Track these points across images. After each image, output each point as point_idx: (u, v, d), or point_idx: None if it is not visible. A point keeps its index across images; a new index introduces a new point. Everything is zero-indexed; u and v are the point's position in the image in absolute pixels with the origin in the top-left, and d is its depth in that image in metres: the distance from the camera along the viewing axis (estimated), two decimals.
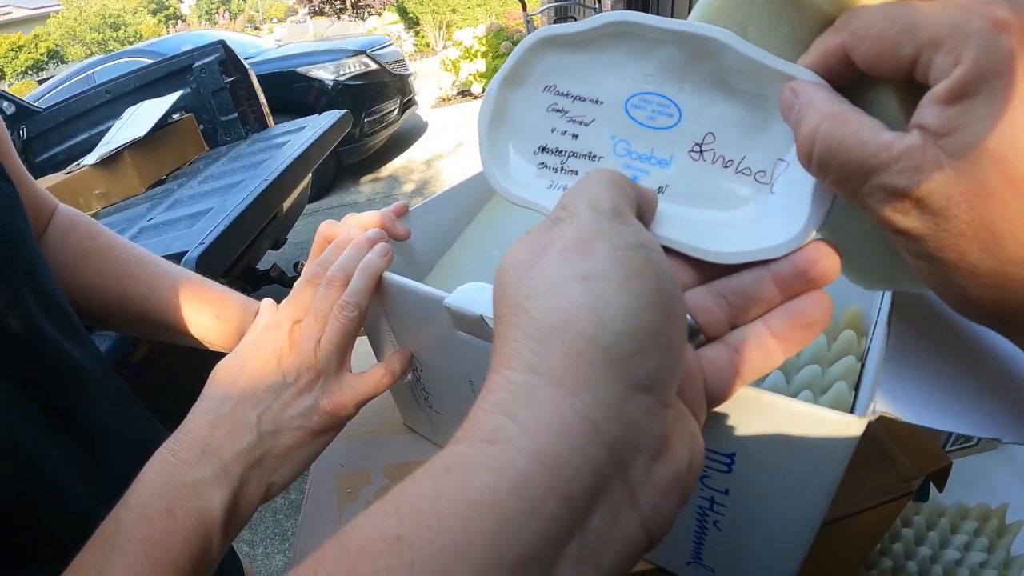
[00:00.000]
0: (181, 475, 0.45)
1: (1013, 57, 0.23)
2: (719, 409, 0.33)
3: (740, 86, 0.34)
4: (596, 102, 0.37)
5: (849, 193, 0.28)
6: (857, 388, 0.46)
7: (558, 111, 0.38)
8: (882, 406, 0.30)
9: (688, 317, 0.31)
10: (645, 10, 4.17)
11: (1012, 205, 0.24)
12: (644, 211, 0.31)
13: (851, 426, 0.31)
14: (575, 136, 0.38)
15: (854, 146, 0.27)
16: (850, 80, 0.30)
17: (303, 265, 0.90)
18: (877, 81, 0.29)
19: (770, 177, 0.34)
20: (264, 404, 0.49)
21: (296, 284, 0.55)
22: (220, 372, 0.51)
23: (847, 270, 0.37)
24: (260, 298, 0.62)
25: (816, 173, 0.30)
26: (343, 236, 0.58)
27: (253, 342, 0.52)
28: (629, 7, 4.31)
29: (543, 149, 0.38)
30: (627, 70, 0.36)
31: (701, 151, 0.36)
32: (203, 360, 0.66)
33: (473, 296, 0.45)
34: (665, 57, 0.35)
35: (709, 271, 0.33)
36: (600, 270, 0.25)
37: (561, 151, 0.38)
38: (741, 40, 0.33)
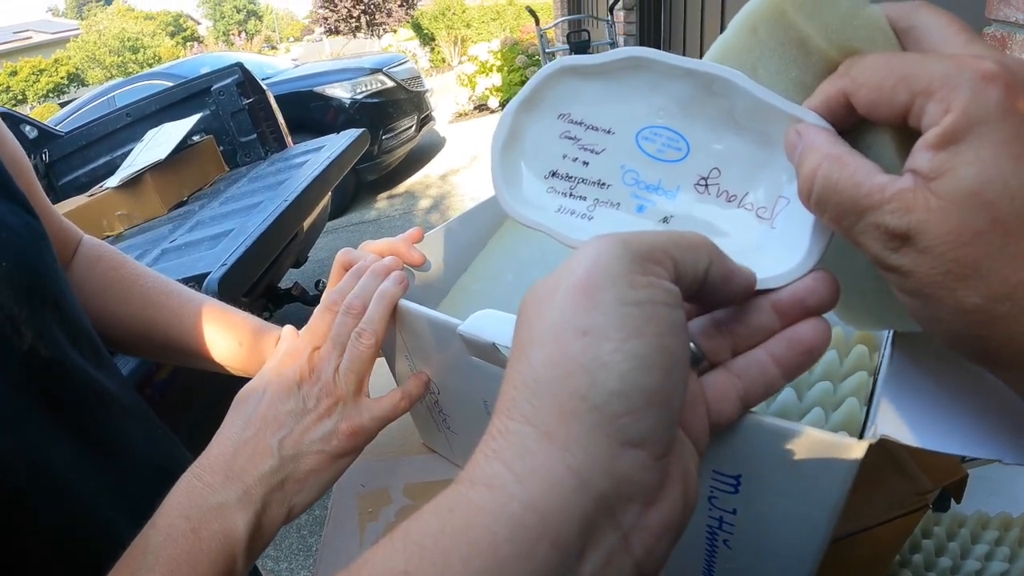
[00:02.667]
0: (206, 498, 0.46)
1: (999, 106, 0.25)
2: (725, 432, 0.34)
3: (747, 124, 0.35)
4: (608, 132, 0.38)
5: (844, 230, 0.30)
6: (870, 404, 0.46)
7: (571, 138, 0.39)
8: (884, 428, 0.31)
9: (691, 345, 0.32)
10: (658, 25, 4.18)
11: (997, 244, 0.25)
12: (718, 286, 0.31)
13: (852, 449, 0.31)
14: (586, 163, 0.39)
15: (850, 187, 0.28)
16: (851, 124, 0.32)
17: (324, 283, 0.91)
18: (875, 126, 0.31)
19: (771, 213, 0.36)
20: (285, 429, 0.51)
21: (315, 311, 0.57)
22: (243, 397, 0.53)
23: (839, 310, 0.38)
24: (283, 315, 0.64)
25: (815, 210, 0.31)
26: (360, 264, 0.60)
27: (274, 368, 0.54)
28: (641, 21, 4.32)
29: (554, 174, 0.39)
30: (640, 103, 0.37)
31: (707, 185, 0.37)
32: (226, 378, 0.68)
33: (486, 324, 0.46)
34: (677, 93, 0.36)
35: (709, 304, 0.33)
36: (600, 326, 0.25)
37: (571, 177, 0.39)
38: (751, 81, 0.34)
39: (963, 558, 0.63)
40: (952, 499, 0.50)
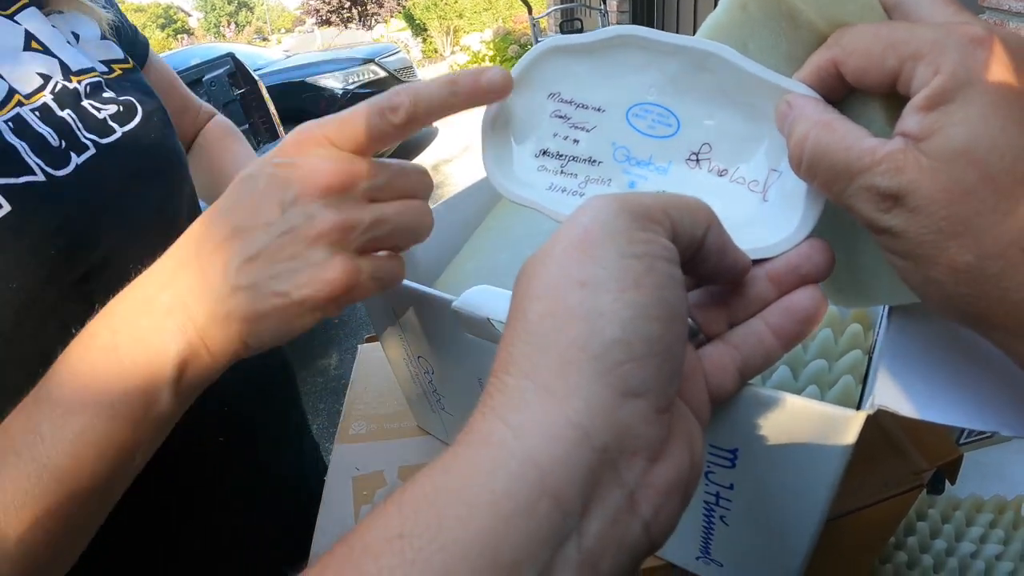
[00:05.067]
0: (140, 314, 0.39)
1: (986, 68, 0.25)
2: (722, 405, 0.33)
3: (738, 99, 0.36)
4: (598, 110, 0.38)
5: (836, 195, 0.30)
6: (865, 382, 0.46)
7: (561, 117, 0.39)
8: (881, 400, 0.31)
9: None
10: (651, 14, 4.18)
11: (988, 202, 0.25)
12: (713, 255, 0.30)
13: (850, 421, 0.31)
14: (576, 141, 0.39)
15: (840, 151, 0.29)
16: (841, 94, 0.32)
17: None
18: (865, 95, 0.32)
19: (763, 186, 0.36)
20: (256, 244, 0.38)
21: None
22: (243, 177, 0.40)
23: (829, 291, 0.39)
24: None
25: (806, 177, 0.31)
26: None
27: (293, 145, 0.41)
28: (635, 9, 4.31)
29: (544, 152, 0.39)
30: (630, 81, 0.38)
31: (698, 160, 0.38)
32: None
33: (480, 299, 0.46)
34: (667, 70, 0.37)
35: (704, 274, 0.33)
36: (599, 277, 0.25)
37: (562, 155, 0.39)
38: (741, 56, 0.34)
39: (958, 540, 0.63)
40: (947, 481, 0.50)
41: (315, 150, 0.39)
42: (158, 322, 0.38)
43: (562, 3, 6.88)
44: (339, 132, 0.39)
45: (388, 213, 0.41)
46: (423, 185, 0.45)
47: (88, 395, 0.37)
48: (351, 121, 0.39)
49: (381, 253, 0.42)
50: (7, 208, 0.41)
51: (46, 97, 0.51)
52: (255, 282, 0.38)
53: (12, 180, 0.43)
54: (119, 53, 0.63)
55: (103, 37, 0.63)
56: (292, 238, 0.38)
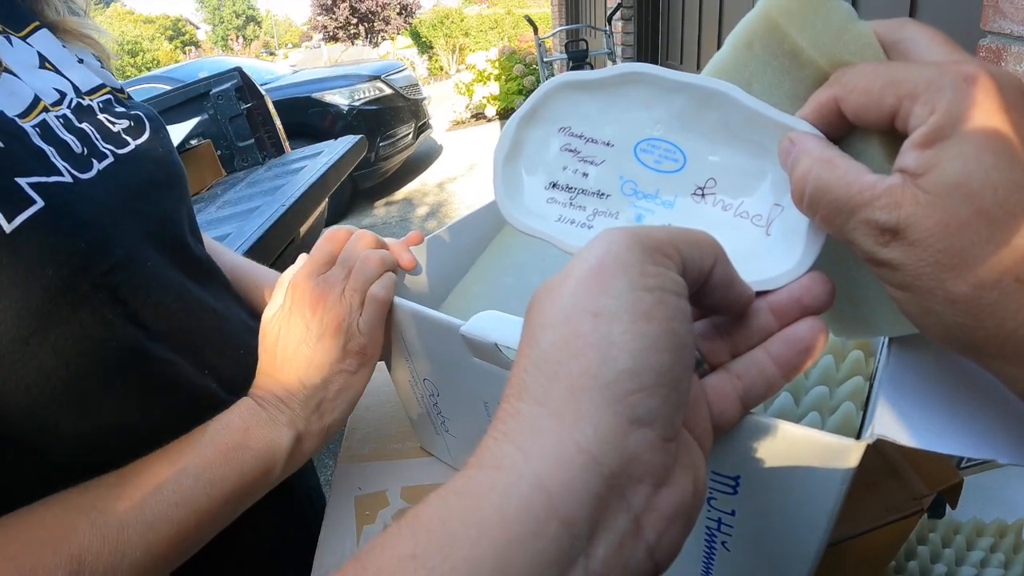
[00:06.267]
0: (260, 413, 0.55)
1: (979, 105, 0.26)
2: (724, 433, 0.34)
3: (742, 135, 0.37)
4: (607, 144, 0.40)
5: (837, 229, 0.31)
6: (866, 408, 0.46)
7: (571, 151, 0.40)
8: (881, 430, 0.31)
9: None
10: (655, 36, 4.19)
11: (982, 234, 0.26)
12: (719, 288, 0.31)
13: (850, 450, 0.32)
14: (585, 175, 0.40)
15: (841, 186, 0.30)
16: (842, 131, 0.34)
17: None
18: (865, 132, 0.33)
19: (766, 220, 0.37)
20: (302, 360, 0.57)
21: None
22: (269, 342, 0.59)
23: (830, 322, 0.40)
24: None
25: (808, 211, 0.32)
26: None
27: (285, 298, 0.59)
28: (639, 31, 4.33)
29: (554, 185, 0.40)
30: (638, 117, 0.39)
31: (703, 194, 0.39)
32: None
33: (488, 324, 0.47)
34: (674, 106, 0.38)
35: (708, 306, 0.34)
36: (611, 308, 0.26)
37: (571, 188, 0.40)
38: (745, 94, 0.36)
39: (958, 564, 0.63)
40: (948, 505, 0.50)
41: None
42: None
43: (568, 24, 6.94)
44: None
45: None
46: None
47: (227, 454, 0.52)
48: None
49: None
50: (40, 204, 0.44)
51: (64, 110, 0.54)
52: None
53: (44, 179, 0.46)
54: (117, 83, 0.66)
55: (102, 67, 0.66)
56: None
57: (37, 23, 0.59)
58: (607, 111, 0.39)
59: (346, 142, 3.30)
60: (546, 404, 0.25)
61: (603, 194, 0.40)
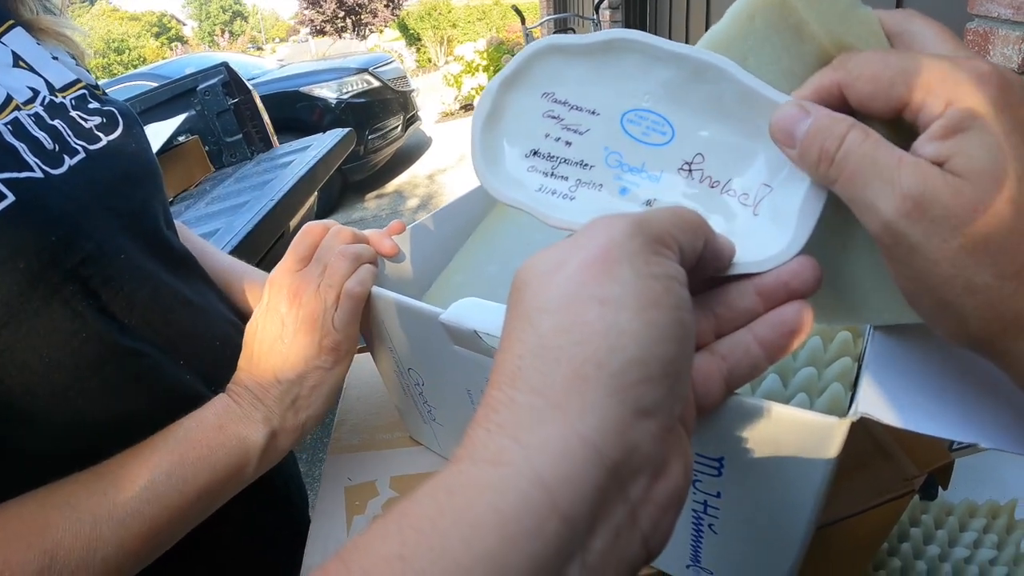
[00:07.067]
0: (234, 410, 0.55)
1: (996, 102, 0.26)
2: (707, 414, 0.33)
3: (734, 112, 0.35)
4: (593, 113, 0.38)
5: (859, 190, 0.29)
6: (854, 389, 0.46)
7: (554, 118, 0.38)
8: (865, 408, 0.31)
9: None
10: (644, 24, 4.18)
11: (1008, 223, 0.26)
12: (709, 263, 0.32)
13: (834, 429, 0.31)
14: (568, 143, 0.39)
15: (870, 148, 0.29)
16: None
17: None
18: (865, 120, 0.31)
19: (754, 200, 0.36)
20: (278, 356, 0.57)
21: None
22: (248, 337, 0.59)
23: (812, 305, 0.39)
24: None
25: (826, 172, 0.31)
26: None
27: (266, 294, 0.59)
28: (627, 22, 4.32)
29: (535, 153, 0.39)
30: (626, 86, 0.37)
31: (690, 170, 0.37)
32: None
33: (467, 312, 0.46)
34: (665, 77, 0.36)
35: (695, 284, 0.33)
36: (619, 296, 0.25)
37: (553, 156, 0.39)
38: (740, 68, 0.34)
39: (951, 546, 0.63)
40: (939, 487, 0.50)
41: None
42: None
43: (555, 13, 6.91)
44: None
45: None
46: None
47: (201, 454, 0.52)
48: None
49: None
50: (11, 199, 0.46)
51: (37, 108, 0.55)
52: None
53: (15, 175, 0.48)
54: (92, 79, 0.66)
55: (77, 64, 0.66)
56: None
57: (12, 22, 0.59)
58: (594, 78, 0.37)
59: (334, 135, 3.28)
60: (545, 393, 0.24)
61: (586, 164, 0.38)
